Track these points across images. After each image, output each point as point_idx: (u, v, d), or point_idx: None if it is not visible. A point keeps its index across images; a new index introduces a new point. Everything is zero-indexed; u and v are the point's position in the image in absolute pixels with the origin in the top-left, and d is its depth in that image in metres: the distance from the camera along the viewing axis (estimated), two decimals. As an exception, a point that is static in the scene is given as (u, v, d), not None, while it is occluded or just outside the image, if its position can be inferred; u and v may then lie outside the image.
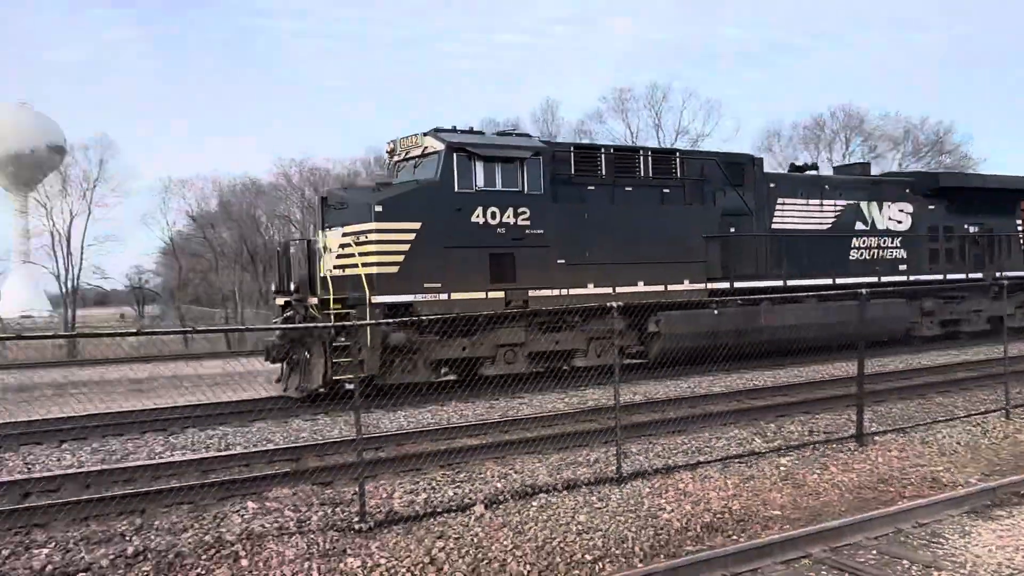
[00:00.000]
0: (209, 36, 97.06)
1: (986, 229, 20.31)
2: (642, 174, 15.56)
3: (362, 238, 12.79)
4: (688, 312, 14.95)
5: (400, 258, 12.76)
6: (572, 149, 14.92)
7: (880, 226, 18.78)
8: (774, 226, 17.18)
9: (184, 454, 9.45)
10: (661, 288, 15.04)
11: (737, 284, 15.97)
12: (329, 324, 11.89)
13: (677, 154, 16.15)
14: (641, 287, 14.83)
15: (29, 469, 8.95)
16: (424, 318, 10.24)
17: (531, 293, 13.79)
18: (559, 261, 14.05)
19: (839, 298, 15.35)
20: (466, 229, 13.22)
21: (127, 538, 6.46)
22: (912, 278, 18.45)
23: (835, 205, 18.12)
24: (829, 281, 17.15)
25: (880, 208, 18.81)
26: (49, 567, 5.91)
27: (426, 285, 12.89)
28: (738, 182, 16.67)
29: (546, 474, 8.16)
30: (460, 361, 13.83)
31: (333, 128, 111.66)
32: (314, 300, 12.59)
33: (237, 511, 7.03)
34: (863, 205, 18.56)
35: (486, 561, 6.15)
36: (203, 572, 5.88)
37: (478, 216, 13.35)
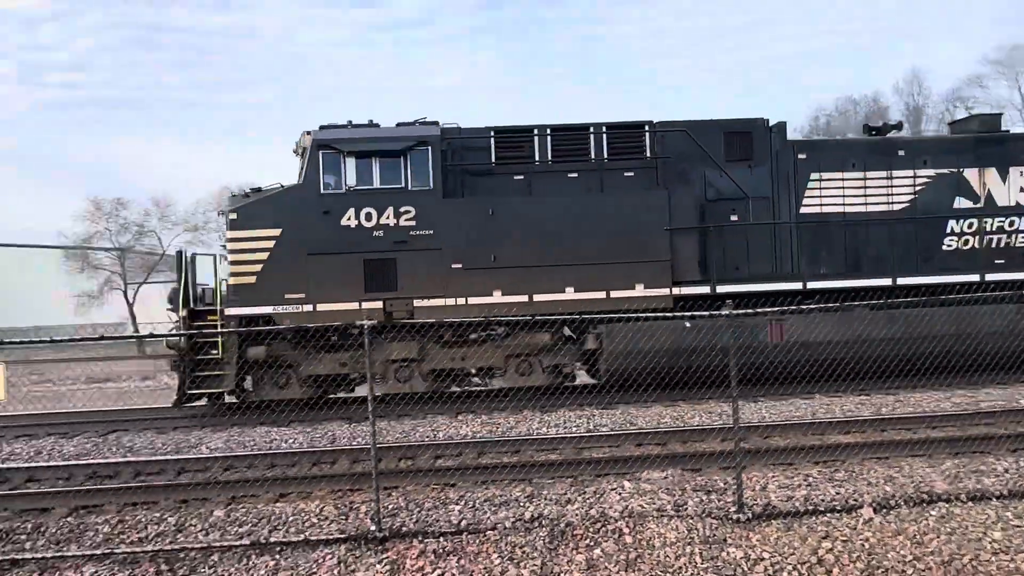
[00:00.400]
0: (555, 48, 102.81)
1: None
2: (594, 156, 12.83)
3: (227, 248, 12.29)
4: (643, 324, 11.95)
5: (258, 267, 11.98)
6: (492, 134, 12.76)
7: (1002, 201, 13.34)
8: (805, 210, 13.08)
9: (558, 431, 10.15)
10: (602, 295, 12.26)
11: (724, 288, 12.42)
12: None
13: (646, 127, 12.99)
14: (571, 294, 12.24)
15: (435, 435, 10.16)
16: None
17: (416, 303, 12.11)
18: (455, 266, 12.13)
19: (900, 305, 11.41)
20: (335, 234, 12.00)
21: (522, 504, 7.06)
22: (1053, 275, 12.76)
23: (915, 176, 13.22)
24: (891, 282, 12.62)
25: (1004, 176, 13.35)
26: (463, 522, 6.71)
27: (287, 296, 11.96)
28: (743, 156, 12.97)
29: (942, 481, 7.46)
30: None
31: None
32: (183, 312, 12.36)
33: (614, 489, 7.32)
34: (969, 174, 13.31)
35: (881, 570, 5.89)
36: (591, 544, 6.22)
37: (349, 219, 12.04)
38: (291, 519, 6.76)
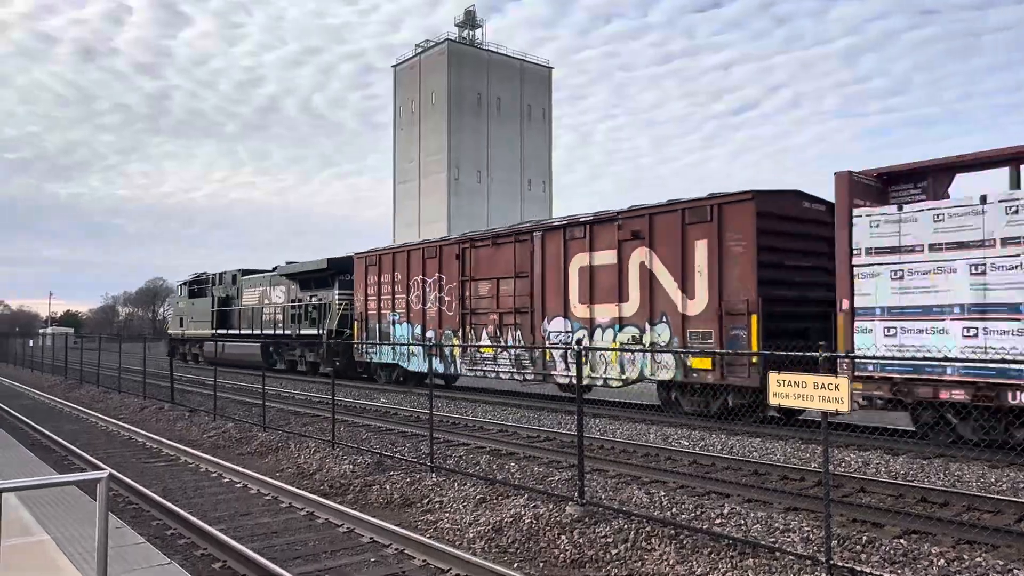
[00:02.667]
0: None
1: (319, 299, 29.03)
2: (218, 284, 37.58)
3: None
4: (209, 342, 36.73)
5: (178, 319, 41.39)
6: (212, 279, 38.80)
7: (274, 301, 32.17)
8: (244, 304, 34.76)
9: None
10: (208, 332, 37.18)
11: (218, 331, 35.69)
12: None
13: (219, 276, 36.78)
14: (204, 331, 37.58)
15: None
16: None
17: (186, 332, 39.41)
18: (191, 322, 38.94)
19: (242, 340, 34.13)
20: (182, 313, 40.34)
21: None
22: (277, 333, 31.33)
23: (258, 290, 33.35)
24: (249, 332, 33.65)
25: (274, 290, 32.19)
26: None
27: (177, 327, 40.98)
28: (233, 283, 35.68)
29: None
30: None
31: None
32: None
33: None
34: (269, 289, 32.65)
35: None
36: None
37: (183, 306, 40.19)
38: None
